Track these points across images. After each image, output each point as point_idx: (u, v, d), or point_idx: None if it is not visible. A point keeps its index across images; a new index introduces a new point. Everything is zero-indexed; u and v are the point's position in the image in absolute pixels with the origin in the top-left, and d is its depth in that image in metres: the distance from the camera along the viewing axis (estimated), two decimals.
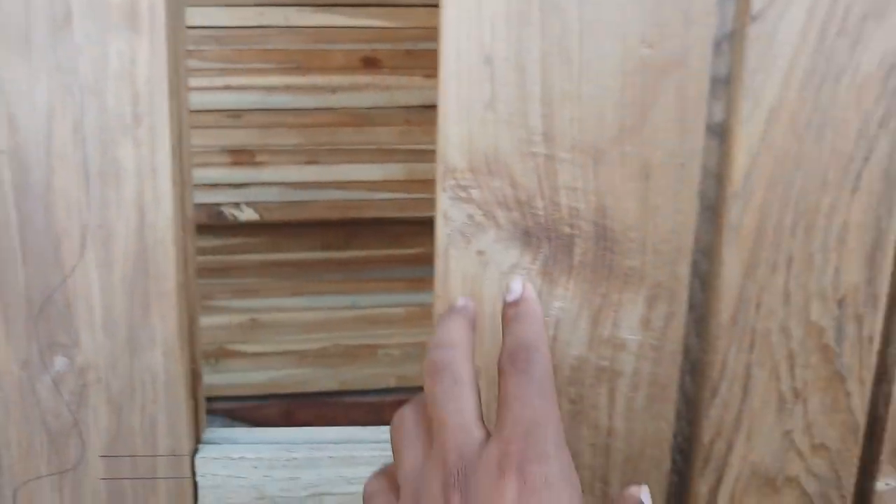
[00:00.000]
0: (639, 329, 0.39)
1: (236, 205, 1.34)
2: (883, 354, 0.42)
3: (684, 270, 0.39)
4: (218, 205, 1.34)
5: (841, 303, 0.39)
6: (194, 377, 0.42)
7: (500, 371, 0.31)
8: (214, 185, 1.33)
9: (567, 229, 0.38)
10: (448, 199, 0.37)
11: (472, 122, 0.36)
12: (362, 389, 1.59)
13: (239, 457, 0.42)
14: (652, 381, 0.40)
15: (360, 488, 0.42)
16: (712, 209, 0.38)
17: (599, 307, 0.39)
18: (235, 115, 1.31)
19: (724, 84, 0.37)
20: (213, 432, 0.44)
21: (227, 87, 1.30)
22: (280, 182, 1.33)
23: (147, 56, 0.36)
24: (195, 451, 0.42)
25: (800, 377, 0.40)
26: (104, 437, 0.41)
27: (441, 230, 0.37)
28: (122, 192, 0.38)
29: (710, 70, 0.37)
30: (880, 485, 0.43)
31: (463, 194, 0.37)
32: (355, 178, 1.29)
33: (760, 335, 0.39)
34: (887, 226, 0.38)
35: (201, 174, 1.33)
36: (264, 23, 1.27)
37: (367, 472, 0.42)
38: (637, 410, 0.40)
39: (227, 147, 1.32)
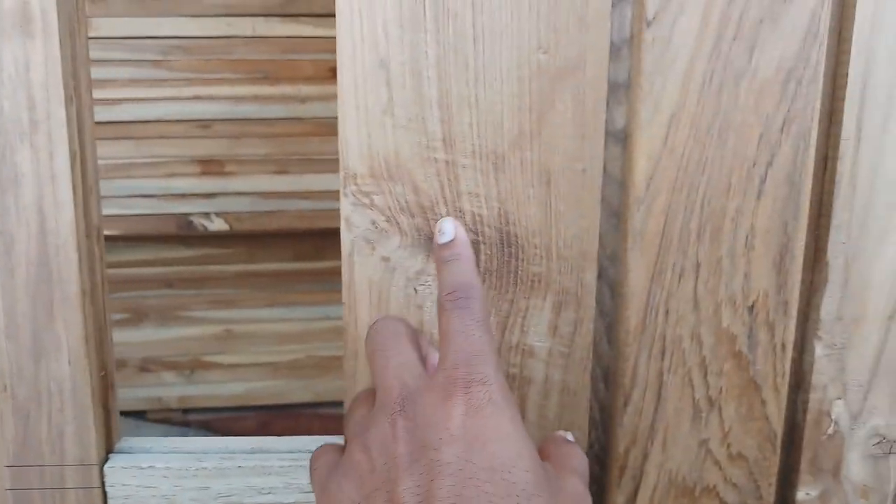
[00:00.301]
0: (547, 336, 0.39)
1: (206, 215, 1.34)
2: (799, 362, 0.41)
3: (590, 276, 0.38)
4: (187, 215, 1.34)
5: (751, 309, 0.39)
6: (105, 385, 0.42)
7: (441, 308, 0.33)
8: (183, 196, 1.33)
9: (471, 236, 0.37)
10: (350, 205, 0.37)
11: (370, 126, 0.36)
12: (337, 401, 1.59)
13: (148, 466, 0.41)
14: (563, 389, 0.40)
15: (272, 498, 0.42)
16: (617, 215, 0.38)
17: (507, 314, 0.38)
18: (204, 125, 1.31)
19: (625, 89, 0.37)
20: (126, 441, 0.43)
21: (196, 97, 1.30)
22: (250, 192, 1.33)
23: (41, 61, 0.36)
24: (105, 460, 0.41)
25: (714, 385, 0.40)
26: (11, 447, 0.40)
27: (345, 237, 0.37)
28: (22, 197, 0.37)
29: (610, 75, 0.36)
30: (801, 494, 0.42)
31: (365, 200, 0.37)
32: (325, 188, 1.29)
33: (671, 342, 0.39)
34: (794, 231, 0.38)
35: (170, 184, 1.33)
36: (232, 33, 1.27)
37: (278, 481, 0.41)
38: (550, 419, 0.40)
39: (195, 157, 1.32)
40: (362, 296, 0.38)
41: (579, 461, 0.34)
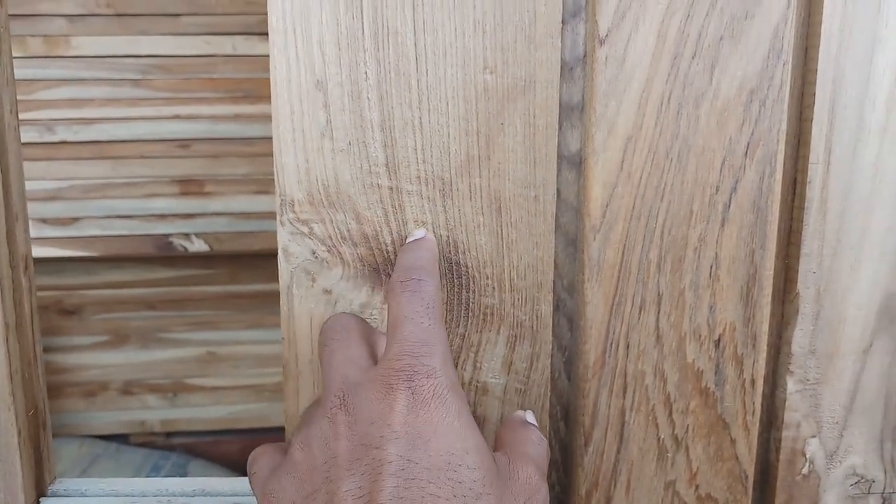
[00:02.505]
0: (501, 372, 0.37)
1: (186, 235, 1.31)
2: (770, 398, 0.39)
3: (546, 309, 0.36)
4: (167, 235, 1.31)
5: (718, 343, 0.37)
6: (36, 424, 0.39)
7: (391, 291, 0.31)
8: (163, 216, 1.31)
9: None
10: (288, 234, 0.34)
11: (308, 151, 0.34)
12: None
13: None
14: None
15: None
16: (574, 244, 0.36)
17: (458, 349, 0.36)
18: (183, 144, 1.29)
19: (579, 111, 0.35)
20: (62, 483, 0.41)
21: (176, 117, 1.28)
22: (230, 212, 1.31)
23: None
24: (36, 503, 0.39)
25: (680, 423, 0.38)
26: None
27: (283, 268, 0.35)
28: None
29: (563, 96, 0.34)
30: None
31: (304, 229, 0.34)
32: None
33: (633, 378, 0.37)
34: (762, 260, 0.36)
35: (150, 205, 1.31)
36: (212, 52, 1.26)
37: None
38: None
39: (175, 177, 1.30)
40: (303, 330, 0.35)
41: (535, 447, 0.32)
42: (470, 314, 0.36)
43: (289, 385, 0.36)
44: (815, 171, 0.36)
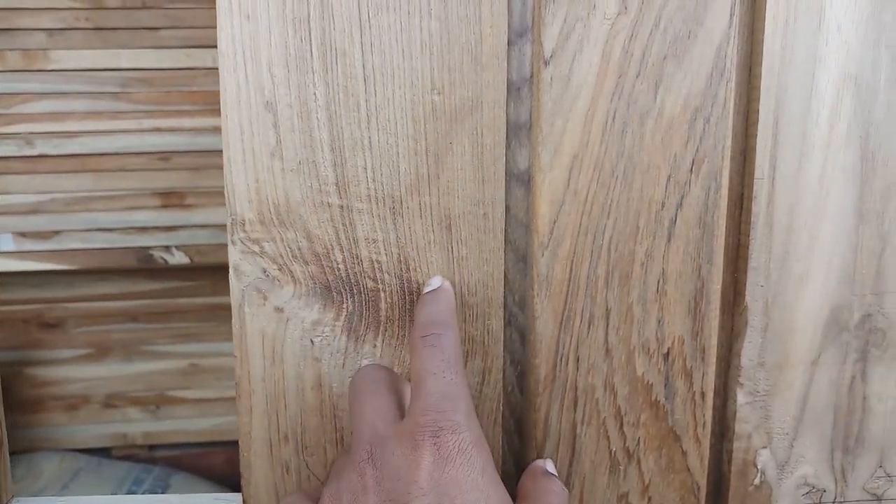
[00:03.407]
0: None
1: (167, 248, 1.31)
2: (722, 410, 0.40)
3: (497, 324, 0.36)
4: (147, 248, 1.31)
5: (667, 356, 0.37)
6: None
7: (412, 347, 0.32)
8: (144, 229, 1.31)
9: (371, 283, 0.35)
10: (239, 252, 0.35)
11: (258, 170, 0.34)
12: None
13: None
14: None
15: None
16: (525, 260, 0.36)
17: None
18: (164, 157, 1.29)
19: (527, 130, 0.35)
20: (19, 502, 0.41)
21: (156, 129, 1.28)
22: (210, 224, 1.31)
23: None
24: None
25: (631, 436, 0.38)
26: None
27: (234, 286, 0.35)
28: None
29: (511, 116, 0.35)
30: None
31: (255, 247, 0.35)
32: None
33: (583, 392, 0.37)
34: (709, 275, 0.37)
35: (130, 217, 1.31)
36: (192, 64, 1.26)
37: None
38: None
39: (156, 190, 1.30)
40: (255, 349, 0.36)
41: (557, 497, 0.33)
42: None
43: (242, 403, 0.36)
44: (760, 186, 0.36)
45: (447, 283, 0.35)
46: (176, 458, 1.62)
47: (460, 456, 0.29)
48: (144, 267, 1.33)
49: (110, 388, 1.56)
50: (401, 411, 0.32)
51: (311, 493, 0.33)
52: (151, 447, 1.61)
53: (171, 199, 1.30)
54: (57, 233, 1.30)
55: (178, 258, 1.32)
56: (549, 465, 0.35)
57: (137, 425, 1.58)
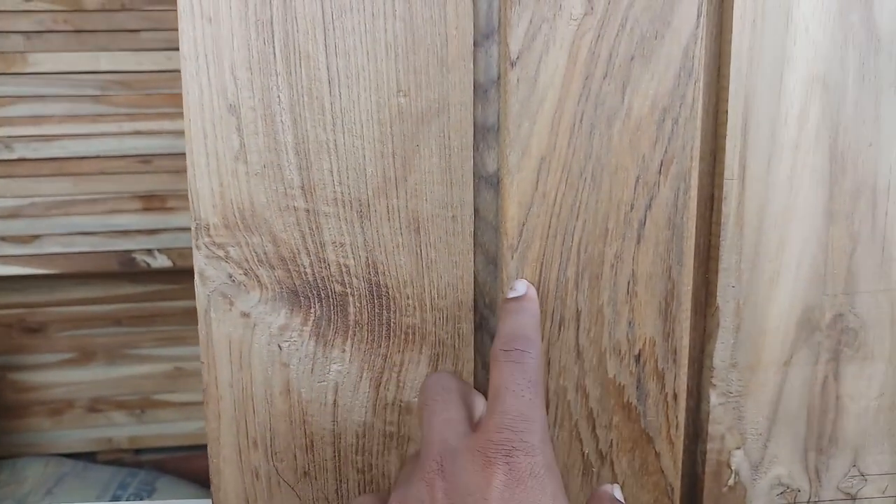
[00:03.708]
0: None
1: (149, 251, 1.30)
2: (695, 411, 0.39)
3: (468, 327, 0.36)
4: (130, 252, 1.30)
5: (638, 358, 0.37)
6: None
7: (494, 360, 0.31)
8: (125, 232, 1.30)
9: (339, 287, 0.35)
10: (204, 257, 0.34)
11: (223, 174, 0.34)
12: None
13: None
14: None
15: None
16: (495, 262, 0.36)
17: (381, 369, 0.36)
18: (145, 160, 1.28)
19: (495, 132, 0.35)
20: None
21: (137, 133, 1.27)
22: None
23: None
24: None
25: (603, 438, 0.38)
26: None
27: (200, 292, 0.35)
28: None
29: (479, 118, 0.35)
30: None
31: (220, 252, 0.34)
32: None
33: (555, 394, 0.37)
34: (679, 276, 0.36)
35: (112, 221, 1.30)
36: (172, 67, 1.25)
37: None
38: None
39: (137, 193, 1.29)
40: (222, 354, 0.35)
41: None
42: (391, 334, 0.36)
43: (210, 409, 0.36)
44: (730, 186, 0.36)
45: (532, 290, 0.34)
46: (161, 462, 1.61)
47: (532, 479, 0.28)
48: (127, 270, 1.32)
49: (94, 392, 1.54)
50: (471, 423, 0.31)
51: (380, 496, 0.33)
52: (137, 451, 1.60)
53: (152, 202, 1.29)
54: (37, 237, 1.29)
55: (161, 261, 1.31)
56: (617, 492, 0.34)
57: (122, 429, 1.57)
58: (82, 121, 1.26)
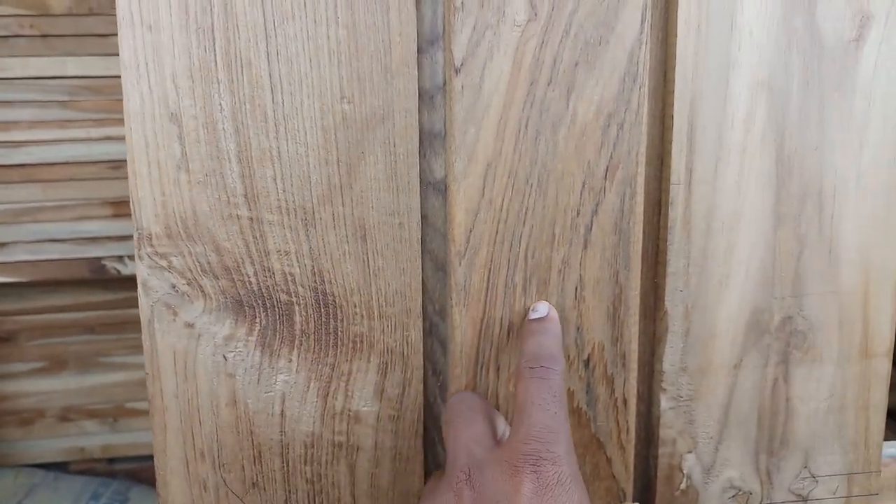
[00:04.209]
0: (374, 399, 0.36)
1: (119, 258, 1.29)
2: (647, 416, 0.40)
3: (416, 335, 0.36)
4: (100, 258, 1.29)
5: (587, 363, 0.37)
6: None
7: (520, 376, 0.32)
8: (95, 239, 1.28)
9: (284, 296, 0.35)
10: (147, 268, 0.34)
11: (164, 183, 0.33)
12: None
13: None
14: (395, 455, 0.37)
15: None
16: (444, 269, 0.36)
17: (329, 378, 0.36)
18: (115, 165, 1.27)
19: (442, 139, 0.35)
20: None
21: (107, 138, 1.26)
22: None
23: None
24: None
25: None
26: None
27: (143, 303, 0.34)
28: None
29: (426, 124, 0.35)
30: None
31: (163, 262, 0.34)
32: None
33: (505, 400, 0.37)
34: (627, 280, 0.36)
35: (82, 227, 1.29)
36: None
37: None
38: (383, 487, 0.37)
39: (107, 199, 1.28)
40: (166, 365, 0.35)
41: None
42: (339, 343, 0.36)
43: (156, 421, 0.35)
44: (676, 191, 0.36)
45: (553, 311, 0.36)
46: (135, 471, 1.59)
47: (559, 487, 0.29)
48: (97, 277, 1.30)
49: (66, 401, 1.53)
50: (495, 439, 0.32)
51: None
52: (110, 460, 1.58)
53: (122, 208, 1.28)
54: (4, 245, 1.27)
55: (132, 268, 1.29)
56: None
57: (95, 438, 1.55)
58: (50, 126, 1.24)
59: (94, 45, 1.24)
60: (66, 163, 1.26)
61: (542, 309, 0.36)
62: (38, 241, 1.28)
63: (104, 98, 1.26)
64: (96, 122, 1.26)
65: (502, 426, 0.34)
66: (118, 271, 1.30)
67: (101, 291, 1.43)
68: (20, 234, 1.28)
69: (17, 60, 1.24)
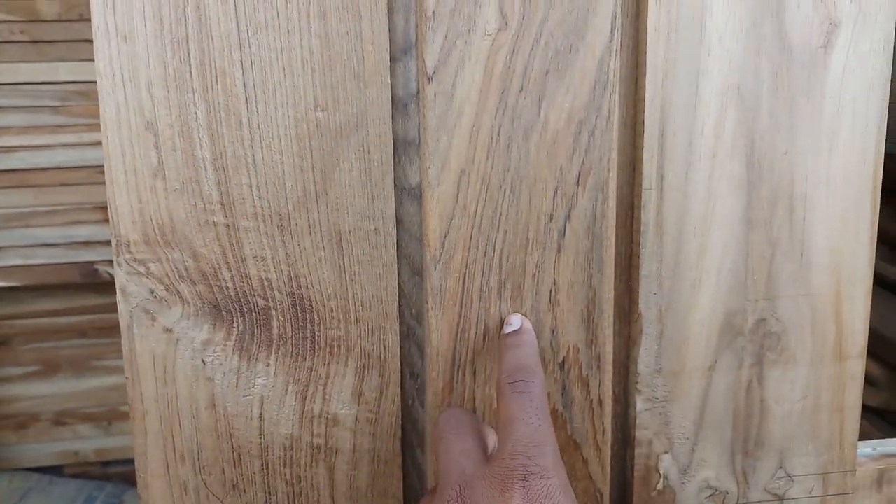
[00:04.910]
0: (352, 402, 0.37)
1: (111, 262, 1.29)
2: (623, 417, 0.40)
3: (393, 338, 0.37)
4: (92, 263, 1.29)
5: (563, 365, 0.38)
6: None
7: (500, 392, 0.33)
8: (87, 243, 1.29)
9: (261, 301, 0.35)
10: (125, 274, 0.34)
11: (141, 191, 0.34)
12: None
13: None
14: (373, 458, 0.38)
15: None
16: (420, 273, 0.37)
17: (307, 382, 0.36)
18: None
19: (416, 146, 0.35)
20: None
21: (98, 143, 1.26)
22: None
23: None
24: None
25: None
26: None
27: (122, 308, 0.35)
28: None
29: (400, 132, 0.35)
30: None
31: (141, 269, 0.34)
32: None
33: (482, 402, 0.37)
34: (600, 284, 0.37)
35: (73, 232, 1.29)
36: None
37: None
38: (362, 489, 0.38)
39: (99, 203, 1.28)
40: (146, 370, 0.35)
41: None
42: (317, 347, 0.36)
43: (136, 424, 0.36)
44: (648, 196, 0.37)
45: (527, 323, 0.36)
46: (129, 475, 1.59)
47: (548, 500, 0.29)
48: (90, 282, 1.31)
49: (60, 405, 1.53)
50: (485, 454, 0.33)
51: None
52: (104, 464, 1.58)
53: None
54: None
55: None
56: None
57: (89, 442, 1.55)
58: (41, 132, 1.25)
59: (84, 50, 1.25)
60: (58, 168, 1.27)
61: (515, 322, 0.36)
62: (30, 246, 1.28)
63: (95, 103, 1.26)
64: (87, 127, 1.26)
65: (493, 440, 0.35)
66: (110, 275, 1.30)
67: (93, 295, 1.43)
68: (12, 239, 1.28)
69: (8, 66, 1.24)
